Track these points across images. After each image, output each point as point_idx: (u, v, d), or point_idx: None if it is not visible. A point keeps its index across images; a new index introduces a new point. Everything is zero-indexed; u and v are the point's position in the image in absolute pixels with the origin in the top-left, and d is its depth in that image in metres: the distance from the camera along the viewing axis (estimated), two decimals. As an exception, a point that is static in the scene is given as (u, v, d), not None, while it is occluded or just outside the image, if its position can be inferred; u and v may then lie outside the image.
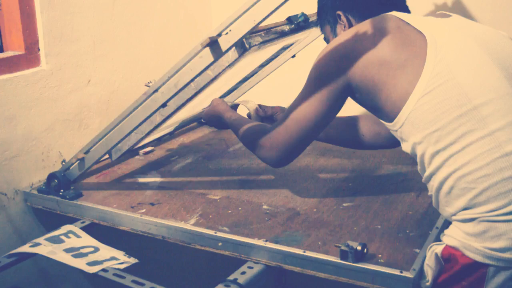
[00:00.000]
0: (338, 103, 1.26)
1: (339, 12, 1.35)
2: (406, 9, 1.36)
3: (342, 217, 1.38)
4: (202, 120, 1.73)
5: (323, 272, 1.19)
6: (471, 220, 1.07)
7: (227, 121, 1.53)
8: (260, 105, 1.66)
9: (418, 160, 1.16)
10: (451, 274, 1.10)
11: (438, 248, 1.12)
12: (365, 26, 1.21)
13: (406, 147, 1.17)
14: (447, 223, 1.35)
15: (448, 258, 1.10)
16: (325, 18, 1.41)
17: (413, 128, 1.13)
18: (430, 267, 1.12)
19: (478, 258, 1.05)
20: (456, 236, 1.09)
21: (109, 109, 1.89)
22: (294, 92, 1.63)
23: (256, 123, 1.44)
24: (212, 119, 1.62)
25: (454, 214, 1.11)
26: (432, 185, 1.14)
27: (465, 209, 1.09)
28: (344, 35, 1.23)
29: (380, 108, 1.19)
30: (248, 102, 1.67)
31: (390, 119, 1.17)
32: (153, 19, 2.04)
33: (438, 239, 1.27)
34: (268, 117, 1.65)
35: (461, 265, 1.08)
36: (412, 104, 1.11)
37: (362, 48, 1.18)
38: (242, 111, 1.67)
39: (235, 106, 1.73)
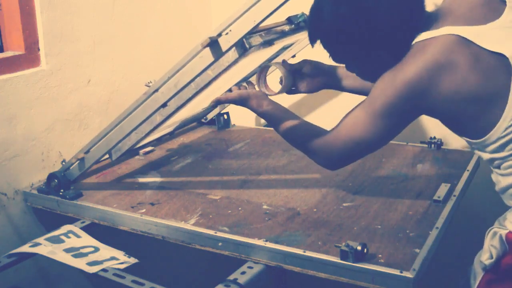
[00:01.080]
0: (404, 127, 1.24)
1: (373, 51, 1.21)
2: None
3: (342, 217, 1.38)
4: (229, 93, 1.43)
5: (323, 272, 1.19)
6: None
7: (259, 110, 1.38)
8: (284, 62, 1.49)
9: (492, 164, 1.20)
10: None
11: (502, 231, 1.15)
12: (436, 55, 1.12)
13: (483, 156, 1.20)
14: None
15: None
16: (347, 52, 1.26)
17: (497, 148, 1.15)
18: (495, 247, 1.16)
19: None
20: None
21: (109, 109, 1.89)
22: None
23: (303, 121, 1.34)
24: (241, 99, 1.40)
25: None
26: (500, 181, 1.19)
27: None
28: (411, 66, 1.14)
29: (462, 130, 1.20)
30: (277, 64, 1.49)
31: (472, 138, 1.18)
32: (153, 19, 2.04)
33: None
34: (295, 70, 1.50)
35: None
36: (499, 132, 1.13)
37: (441, 82, 1.12)
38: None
39: (266, 68, 1.51)
